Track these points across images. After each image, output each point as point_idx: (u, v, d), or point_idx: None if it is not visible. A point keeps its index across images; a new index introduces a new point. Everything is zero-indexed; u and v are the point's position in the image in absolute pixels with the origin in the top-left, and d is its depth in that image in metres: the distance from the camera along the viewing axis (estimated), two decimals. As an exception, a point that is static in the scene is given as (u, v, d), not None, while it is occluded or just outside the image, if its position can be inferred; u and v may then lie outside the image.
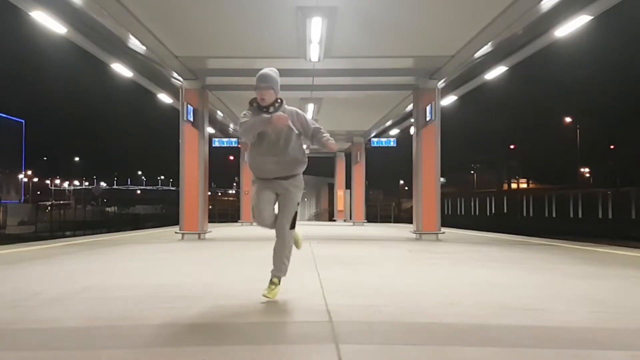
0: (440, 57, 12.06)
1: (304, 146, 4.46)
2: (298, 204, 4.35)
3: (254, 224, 4.51)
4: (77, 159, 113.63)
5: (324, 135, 4.33)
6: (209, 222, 14.17)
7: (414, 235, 13.15)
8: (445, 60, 12.16)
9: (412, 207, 14.13)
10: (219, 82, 13.94)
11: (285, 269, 4.34)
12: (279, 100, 4.35)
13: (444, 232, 13.08)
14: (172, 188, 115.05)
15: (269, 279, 4.31)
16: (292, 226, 4.32)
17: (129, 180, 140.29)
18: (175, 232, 13.07)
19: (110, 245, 10.69)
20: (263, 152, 4.30)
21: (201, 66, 12.85)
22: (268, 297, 4.20)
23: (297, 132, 4.33)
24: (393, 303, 4.28)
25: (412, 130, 14.34)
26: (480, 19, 9.78)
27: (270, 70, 4.36)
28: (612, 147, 60.58)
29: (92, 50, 11.28)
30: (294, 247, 4.45)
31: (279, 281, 4.31)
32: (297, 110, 4.42)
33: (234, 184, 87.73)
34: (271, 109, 4.30)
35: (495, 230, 19.50)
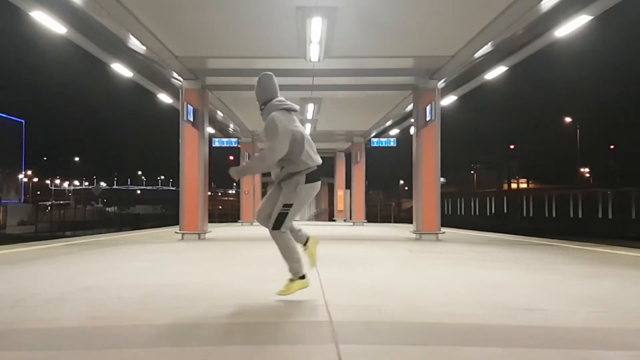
0: (440, 57, 12.05)
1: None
2: (285, 205, 4.26)
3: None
4: (77, 159, 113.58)
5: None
6: (209, 222, 14.17)
7: (414, 235, 13.14)
8: (445, 60, 12.15)
9: (412, 207, 14.12)
10: (219, 82, 13.94)
11: (291, 268, 4.29)
12: (261, 107, 4.41)
13: (444, 232, 13.08)
14: (172, 188, 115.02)
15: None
16: (275, 227, 4.27)
17: (129, 180, 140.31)
18: (175, 232, 13.07)
19: (110, 245, 10.69)
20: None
21: (201, 66, 12.85)
22: (281, 294, 4.25)
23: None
24: (393, 303, 4.28)
25: (412, 130, 14.34)
26: (480, 19, 9.78)
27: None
28: (612, 147, 60.59)
29: (92, 50, 11.28)
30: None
31: (296, 278, 4.30)
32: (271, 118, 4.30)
33: (234, 184, 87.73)
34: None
35: (495, 230, 19.49)
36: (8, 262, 7.45)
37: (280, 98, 4.39)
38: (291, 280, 4.29)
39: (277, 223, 4.24)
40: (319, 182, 4.37)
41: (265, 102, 4.36)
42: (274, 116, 4.24)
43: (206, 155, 13.29)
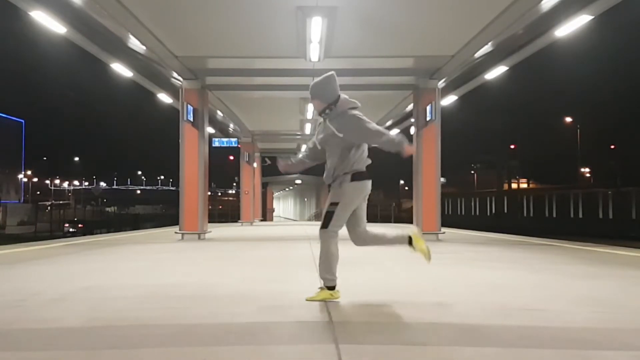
0: (440, 57, 12.05)
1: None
2: (332, 204, 4.30)
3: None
4: (77, 159, 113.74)
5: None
6: (209, 222, 14.16)
7: (414, 235, 13.11)
8: (445, 60, 12.15)
9: (412, 207, 14.11)
10: (219, 82, 13.94)
11: (322, 276, 4.24)
12: (330, 107, 4.39)
13: (444, 232, 13.08)
14: (172, 188, 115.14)
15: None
16: (323, 225, 4.29)
17: (129, 180, 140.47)
18: (175, 232, 13.06)
19: (110, 245, 10.69)
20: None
21: (201, 66, 12.85)
22: (308, 299, 4.23)
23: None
24: (393, 303, 4.28)
25: (412, 130, 14.34)
26: (480, 19, 9.78)
27: (316, 80, 4.38)
28: (612, 147, 60.63)
29: (92, 50, 11.28)
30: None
31: (324, 287, 4.25)
32: (352, 114, 4.42)
33: (234, 184, 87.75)
34: (323, 116, 4.41)
35: (495, 230, 19.48)
36: (8, 262, 7.45)
37: (346, 96, 4.45)
38: (321, 288, 4.27)
39: (325, 221, 4.27)
40: (369, 181, 4.43)
41: (335, 100, 4.38)
42: (356, 113, 4.43)
43: (206, 155, 13.29)
